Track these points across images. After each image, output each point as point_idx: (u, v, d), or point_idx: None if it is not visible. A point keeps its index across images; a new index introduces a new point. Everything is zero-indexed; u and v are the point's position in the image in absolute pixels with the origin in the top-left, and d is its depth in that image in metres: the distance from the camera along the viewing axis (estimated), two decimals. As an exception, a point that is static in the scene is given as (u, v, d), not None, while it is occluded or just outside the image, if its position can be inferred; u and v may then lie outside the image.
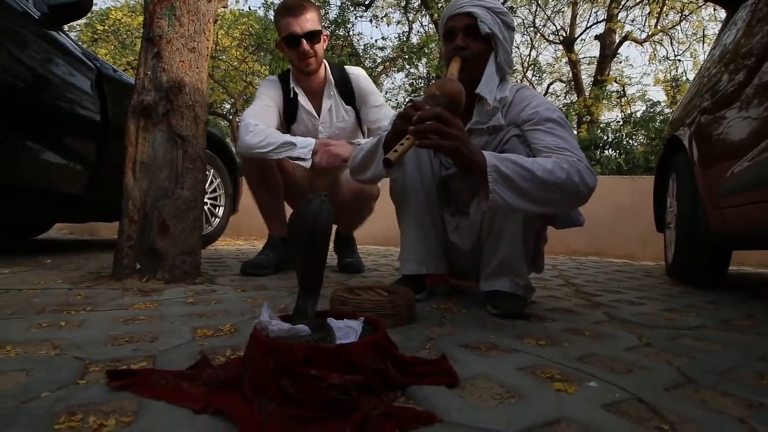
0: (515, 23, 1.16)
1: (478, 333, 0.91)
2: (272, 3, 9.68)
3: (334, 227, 1.94)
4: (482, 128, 1.14)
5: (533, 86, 13.45)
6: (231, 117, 11.45)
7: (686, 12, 9.58)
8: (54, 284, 1.33)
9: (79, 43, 2.61)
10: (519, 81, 13.04)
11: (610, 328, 1.00)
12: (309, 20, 1.58)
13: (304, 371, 0.52)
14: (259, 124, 1.56)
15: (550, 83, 13.62)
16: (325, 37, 1.67)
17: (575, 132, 8.27)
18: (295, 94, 1.71)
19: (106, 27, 11.00)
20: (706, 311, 1.24)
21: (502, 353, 0.78)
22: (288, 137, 1.56)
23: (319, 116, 1.73)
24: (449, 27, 1.14)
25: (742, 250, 1.61)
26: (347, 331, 0.65)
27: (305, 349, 0.54)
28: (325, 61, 1.71)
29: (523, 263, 1.10)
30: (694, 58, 10.12)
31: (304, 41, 1.58)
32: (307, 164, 1.55)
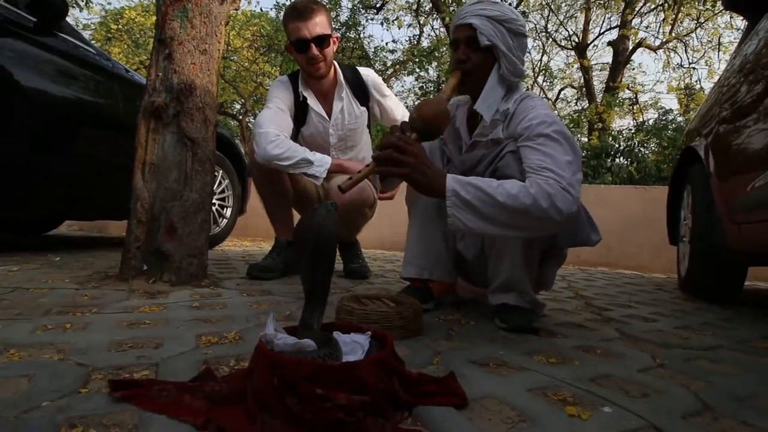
0: (527, 33, 1.16)
1: (487, 348, 0.89)
2: (284, 4, 9.73)
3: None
4: (483, 141, 1.12)
5: (544, 92, 13.37)
6: (241, 117, 11.53)
7: (702, 19, 9.45)
8: (61, 283, 1.34)
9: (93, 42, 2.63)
10: (529, 87, 12.98)
11: (623, 346, 0.98)
12: (318, 24, 1.56)
13: (309, 389, 0.50)
14: (280, 134, 1.54)
15: (562, 89, 13.53)
16: (335, 39, 1.66)
17: (586, 139, 8.18)
18: (305, 98, 1.70)
19: (119, 26, 11.14)
20: (722, 330, 1.20)
21: (512, 371, 0.76)
22: (307, 154, 1.53)
23: (329, 118, 1.72)
24: (454, 38, 1.12)
25: (760, 266, 1.56)
26: (353, 346, 0.63)
27: (311, 365, 0.53)
28: (335, 62, 1.70)
29: (527, 283, 1.07)
30: (709, 66, 9.99)
31: (313, 46, 1.56)
32: (319, 182, 1.55)
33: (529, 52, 12.37)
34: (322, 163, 1.53)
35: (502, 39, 1.06)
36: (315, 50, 1.57)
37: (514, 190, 0.89)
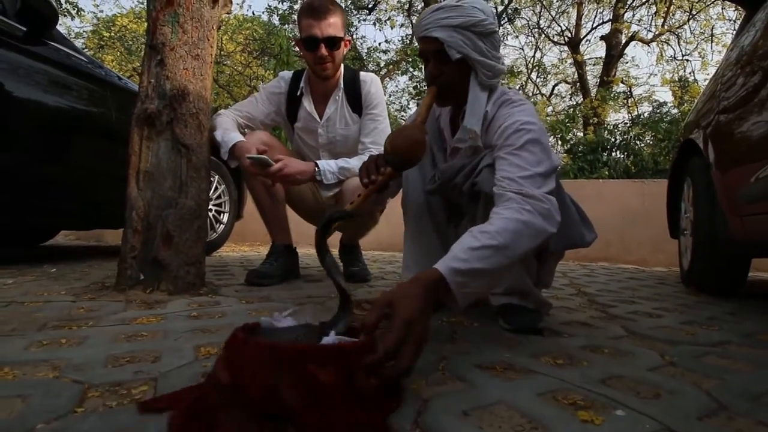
0: (497, 28, 1.10)
1: (493, 351, 0.87)
2: (276, 8, 9.72)
3: (339, 235, 1.91)
4: (462, 148, 1.08)
5: (538, 88, 13.39)
6: (236, 121, 11.48)
7: (694, 11, 9.48)
8: (57, 296, 1.31)
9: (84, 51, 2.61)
10: (524, 83, 12.99)
11: (630, 344, 0.96)
12: (332, 25, 1.53)
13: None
14: (226, 114, 1.63)
15: (555, 84, 13.56)
16: (347, 42, 1.63)
17: (582, 134, 8.17)
18: (301, 93, 1.68)
19: (112, 34, 11.10)
20: (728, 324, 1.19)
21: (520, 374, 0.74)
22: (218, 136, 1.50)
23: (320, 119, 1.71)
24: (421, 50, 1.04)
25: (764, 257, 1.55)
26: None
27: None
28: (342, 64, 1.68)
29: (528, 284, 1.05)
30: (703, 57, 10.03)
31: (323, 46, 1.54)
32: (232, 164, 1.52)
33: (522, 49, 12.39)
34: (225, 146, 1.49)
35: (473, 47, 0.98)
36: (324, 50, 1.54)
37: (504, 236, 0.79)
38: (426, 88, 1.10)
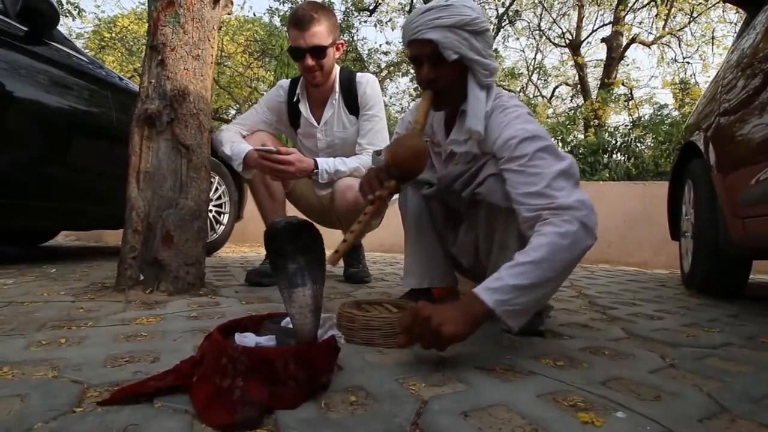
0: (489, 26, 1.08)
1: (493, 352, 0.87)
2: (277, 9, 9.74)
3: (341, 235, 1.91)
4: (458, 153, 1.06)
5: (539, 90, 13.39)
6: (237, 122, 11.50)
7: (695, 14, 9.49)
8: (57, 296, 1.31)
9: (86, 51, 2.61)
10: (524, 85, 12.99)
11: (631, 346, 0.96)
12: (315, 35, 1.52)
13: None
14: (233, 128, 1.68)
15: (556, 86, 13.55)
16: (339, 45, 1.63)
17: (582, 136, 8.18)
18: (298, 100, 1.69)
19: (113, 34, 11.12)
20: (729, 326, 1.18)
21: (520, 376, 0.74)
22: (227, 149, 1.57)
23: (318, 124, 1.71)
24: (413, 54, 0.99)
25: (765, 260, 1.55)
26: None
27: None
28: (337, 67, 1.68)
29: None
30: (703, 60, 10.03)
31: (308, 56, 1.54)
32: (247, 175, 1.62)
33: (523, 51, 12.41)
34: (237, 158, 1.55)
35: (469, 46, 0.95)
36: (310, 61, 1.55)
37: (540, 251, 0.78)
38: (421, 91, 1.08)
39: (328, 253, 0.78)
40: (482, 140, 0.99)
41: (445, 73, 0.97)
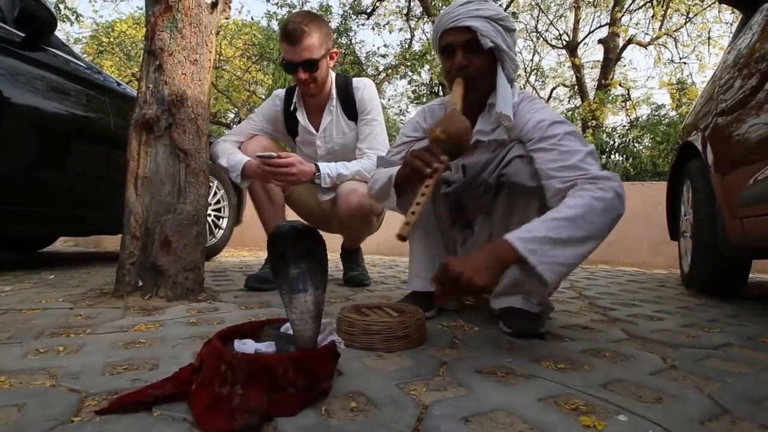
0: (517, 27, 1.15)
1: (493, 355, 0.87)
2: (274, 13, 9.76)
3: (340, 239, 1.90)
4: (486, 141, 1.10)
5: (536, 91, 13.43)
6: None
7: (691, 14, 9.53)
8: (55, 303, 1.30)
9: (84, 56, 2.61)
10: (522, 87, 13.03)
11: (631, 347, 0.95)
12: (306, 49, 1.51)
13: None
14: (228, 139, 1.71)
15: (554, 88, 13.58)
16: (333, 54, 1.63)
17: (580, 136, 8.19)
18: (295, 108, 1.69)
19: (111, 39, 11.13)
20: (730, 327, 1.18)
21: (520, 379, 0.74)
22: (224, 161, 1.61)
23: (317, 132, 1.71)
24: (447, 42, 1.05)
25: (764, 259, 1.55)
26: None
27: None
28: (332, 73, 1.68)
29: (533, 283, 1.05)
30: (700, 60, 10.06)
31: (301, 70, 1.54)
32: (244, 185, 1.64)
33: (520, 52, 12.45)
34: (235, 169, 1.58)
35: (502, 38, 1.04)
36: (302, 74, 1.55)
37: (575, 209, 0.81)
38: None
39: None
40: (511, 127, 1.04)
41: (477, 60, 1.04)
